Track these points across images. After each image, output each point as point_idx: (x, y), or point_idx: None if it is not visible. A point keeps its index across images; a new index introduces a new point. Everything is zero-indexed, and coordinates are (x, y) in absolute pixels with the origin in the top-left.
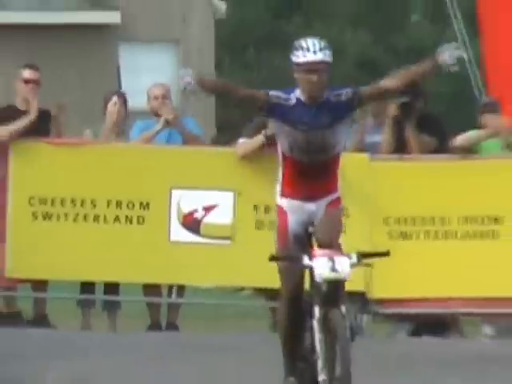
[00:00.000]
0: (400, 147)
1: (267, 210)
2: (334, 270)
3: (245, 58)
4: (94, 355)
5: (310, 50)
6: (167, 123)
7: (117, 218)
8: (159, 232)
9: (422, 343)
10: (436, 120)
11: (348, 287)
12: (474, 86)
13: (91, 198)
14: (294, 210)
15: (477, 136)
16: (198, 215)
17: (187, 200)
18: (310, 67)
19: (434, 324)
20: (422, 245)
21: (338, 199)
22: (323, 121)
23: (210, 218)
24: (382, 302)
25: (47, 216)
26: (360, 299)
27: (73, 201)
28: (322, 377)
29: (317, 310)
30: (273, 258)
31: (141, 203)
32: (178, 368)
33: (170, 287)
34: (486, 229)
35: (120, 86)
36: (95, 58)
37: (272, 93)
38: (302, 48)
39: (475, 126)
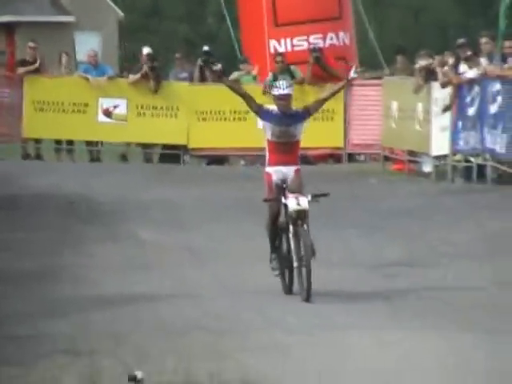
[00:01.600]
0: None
1: (142, 107)
2: (298, 204)
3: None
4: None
5: (280, 88)
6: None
7: (74, 110)
8: (93, 117)
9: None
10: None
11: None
12: (236, 49)
13: (61, 101)
14: (275, 171)
15: (237, 76)
16: (110, 109)
17: (106, 102)
18: (281, 97)
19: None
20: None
21: (299, 169)
22: (289, 122)
23: (116, 111)
24: (196, 149)
25: (41, 110)
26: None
27: (53, 103)
28: (295, 264)
29: (291, 228)
30: (265, 200)
31: (85, 104)
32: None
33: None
34: (237, 117)
35: (74, 51)
36: (64, 37)
37: (264, 105)
38: (276, 87)
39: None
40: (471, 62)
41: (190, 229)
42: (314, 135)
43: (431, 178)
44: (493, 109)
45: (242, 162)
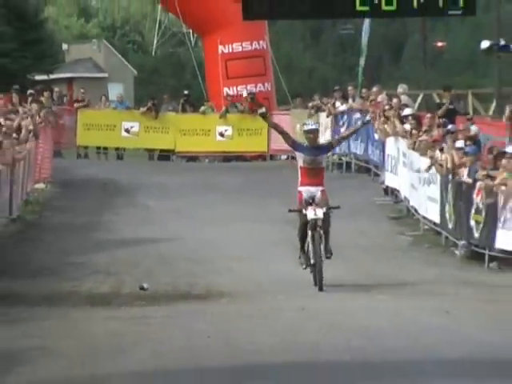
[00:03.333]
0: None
1: (148, 127)
2: (315, 214)
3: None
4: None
5: (309, 125)
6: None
7: (107, 129)
8: (118, 133)
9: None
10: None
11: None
12: (204, 93)
13: (100, 124)
14: (305, 191)
15: (204, 109)
16: (129, 129)
17: (126, 124)
18: (310, 131)
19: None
20: (190, 137)
21: (324, 190)
22: (316, 153)
23: (132, 130)
24: (179, 152)
25: (88, 129)
26: None
27: (95, 125)
28: (312, 261)
29: (309, 233)
30: (289, 211)
31: (114, 125)
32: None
33: (121, 149)
34: (204, 134)
35: (108, 94)
36: (101, 86)
37: (297, 140)
38: (306, 124)
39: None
40: (342, 100)
41: (176, 199)
42: (250, 144)
43: None
44: None
45: (207, 160)
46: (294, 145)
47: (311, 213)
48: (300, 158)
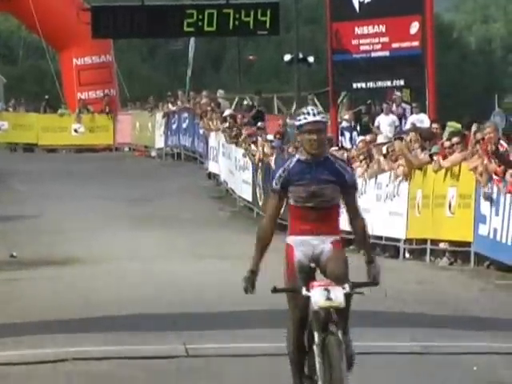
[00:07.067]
0: None
1: (15, 125)
2: (329, 298)
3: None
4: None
5: (310, 114)
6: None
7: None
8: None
9: None
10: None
11: None
12: (61, 97)
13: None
14: (299, 243)
15: (60, 111)
16: (0, 127)
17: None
18: (311, 127)
19: None
20: (49, 133)
21: (340, 241)
22: (322, 174)
23: (3, 127)
24: (42, 145)
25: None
26: None
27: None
28: None
29: (316, 336)
30: (275, 290)
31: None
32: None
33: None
34: (60, 130)
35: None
36: None
37: (275, 181)
38: (303, 113)
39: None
40: (174, 103)
41: (40, 183)
42: (99, 138)
43: (155, 159)
44: (184, 125)
45: (64, 152)
46: (285, 185)
47: (321, 295)
48: (290, 193)
